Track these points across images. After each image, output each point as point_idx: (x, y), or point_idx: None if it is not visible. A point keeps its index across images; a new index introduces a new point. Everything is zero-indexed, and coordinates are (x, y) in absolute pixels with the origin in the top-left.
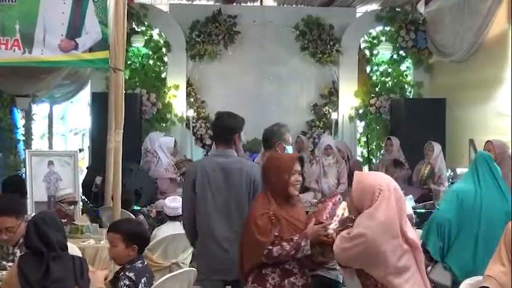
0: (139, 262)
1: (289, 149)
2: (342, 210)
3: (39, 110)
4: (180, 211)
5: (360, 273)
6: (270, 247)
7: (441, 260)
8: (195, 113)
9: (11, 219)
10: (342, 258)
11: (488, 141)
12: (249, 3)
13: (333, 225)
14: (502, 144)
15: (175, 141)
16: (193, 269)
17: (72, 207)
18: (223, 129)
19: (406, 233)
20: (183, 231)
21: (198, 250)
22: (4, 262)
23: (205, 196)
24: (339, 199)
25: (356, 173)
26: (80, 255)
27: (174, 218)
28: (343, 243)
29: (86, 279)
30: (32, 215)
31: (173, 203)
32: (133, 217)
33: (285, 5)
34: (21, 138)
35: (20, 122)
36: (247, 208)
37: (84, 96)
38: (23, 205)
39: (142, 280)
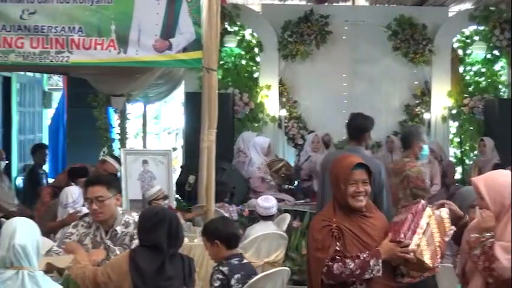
0: (235, 259)
1: (426, 148)
2: (427, 219)
3: (134, 110)
4: (272, 211)
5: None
6: (330, 263)
7: None
8: (287, 113)
9: (102, 189)
10: None
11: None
12: (341, 3)
13: (416, 240)
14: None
15: (269, 143)
16: (287, 268)
17: (166, 201)
18: (354, 128)
19: None
20: (275, 231)
21: None
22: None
23: None
24: (422, 205)
25: (485, 175)
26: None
27: (266, 218)
28: None
29: (193, 280)
30: (135, 214)
31: (266, 202)
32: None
33: (377, 5)
34: (116, 137)
35: (115, 121)
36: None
37: (178, 95)
38: (117, 181)
39: (236, 276)
